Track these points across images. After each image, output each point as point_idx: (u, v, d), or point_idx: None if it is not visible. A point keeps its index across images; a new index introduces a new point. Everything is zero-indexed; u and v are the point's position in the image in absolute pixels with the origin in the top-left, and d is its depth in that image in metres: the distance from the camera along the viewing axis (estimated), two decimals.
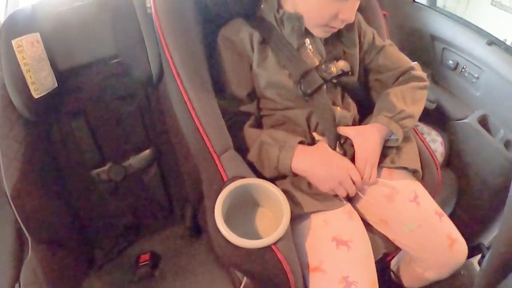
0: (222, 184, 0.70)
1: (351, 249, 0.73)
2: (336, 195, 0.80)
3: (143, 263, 0.92)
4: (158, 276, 0.90)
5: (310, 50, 0.86)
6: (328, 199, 0.79)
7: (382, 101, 0.87)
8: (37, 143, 0.85)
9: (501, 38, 1.82)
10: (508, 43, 1.80)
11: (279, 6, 0.85)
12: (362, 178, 0.80)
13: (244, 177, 0.72)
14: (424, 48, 1.42)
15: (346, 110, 0.88)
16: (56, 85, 0.86)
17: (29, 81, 0.79)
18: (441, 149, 1.25)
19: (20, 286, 0.79)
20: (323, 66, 0.84)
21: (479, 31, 1.26)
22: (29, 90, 0.79)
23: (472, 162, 1.28)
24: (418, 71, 0.93)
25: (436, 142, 1.25)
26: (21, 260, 0.83)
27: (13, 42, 0.76)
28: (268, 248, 0.65)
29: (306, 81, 0.82)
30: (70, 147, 0.93)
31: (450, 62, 1.33)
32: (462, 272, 1.33)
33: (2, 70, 0.78)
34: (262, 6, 0.87)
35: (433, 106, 1.28)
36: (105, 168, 0.96)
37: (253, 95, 0.87)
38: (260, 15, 0.87)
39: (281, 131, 0.83)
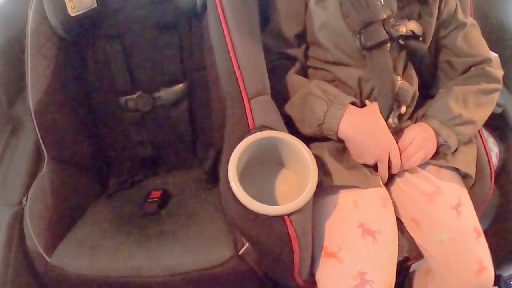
0: (246, 132, 0.53)
1: (377, 242, 0.55)
2: (371, 171, 0.62)
3: (152, 199, 0.78)
4: (164, 216, 0.75)
5: (381, 2, 0.64)
6: (362, 174, 0.61)
7: (438, 100, 0.67)
8: (69, 62, 0.77)
9: None
10: None
11: None
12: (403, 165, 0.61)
13: (273, 129, 0.54)
14: (503, 45, 1.14)
15: (407, 82, 0.66)
16: (95, 5, 0.75)
17: None
18: (495, 161, 1.00)
19: (27, 199, 0.71)
20: (391, 21, 0.62)
21: None
22: (66, 7, 0.71)
23: None
24: (495, 67, 0.70)
25: (491, 152, 1.00)
26: (35, 176, 0.76)
27: None
28: (279, 218, 0.48)
29: (368, 32, 0.62)
30: (102, 70, 0.82)
31: None
32: None
33: None
34: None
35: (499, 110, 1.02)
36: (134, 96, 0.82)
37: (302, 39, 0.68)
38: None
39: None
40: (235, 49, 0.59)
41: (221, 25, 0.60)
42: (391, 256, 0.58)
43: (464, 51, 0.70)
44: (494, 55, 0.72)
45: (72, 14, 0.71)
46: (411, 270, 0.89)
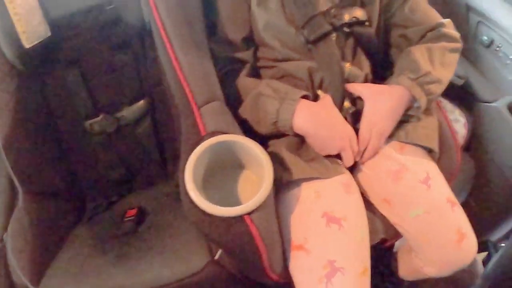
0: (199, 139, 0.54)
1: (343, 229, 0.56)
2: (332, 161, 0.63)
3: (128, 218, 0.80)
4: (141, 233, 0.77)
5: None
6: (322, 165, 0.62)
7: (405, 59, 0.66)
8: (30, 93, 0.78)
9: None
10: None
11: None
12: (365, 148, 0.62)
13: (226, 133, 0.55)
14: (457, 19, 1.16)
15: (357, 67, 0.68)
16: (49, 33, 0.76)
17: (19, 30, 0.70)
18: (463, 131, 1.02)
19: (7, 235, 0.72)
20: (333, 11, 0.64)
21: None
22: (20, 40, 0.70)
23: (494, 151, 1.05)
24: (450, 28, 0.70)
25: (458, 123, 1.03)
26: (12, 209, 0.77)
27: None
28: (239, 218, 0.49)
29: (310, 26, 0.63)
30: (64, 97, 0.83)
31: (485, 38, 1.08)
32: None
33: None
34: None
35: (461, 82, 1.05)
36: (98, 119, 0.84)
37: (250, 41, 0.69)
38: None
39: (283, 83, 0.65)
40: (179, 61, 0.60)
41: (163, 39, 0.61)
42: (360, 241, 0.59)
43: (415, 21, 0.70)
44: (447, 20, 0.73)
45: (27, 46, 0.72)
46: (394, 250, 0.91)
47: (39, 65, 0.78)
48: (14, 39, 0.70)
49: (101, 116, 0.84)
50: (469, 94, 1.09)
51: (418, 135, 0.67)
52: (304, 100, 0.62)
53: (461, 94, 1.11)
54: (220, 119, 0.58)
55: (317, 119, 0.61)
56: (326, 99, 0.64)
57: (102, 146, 0.85)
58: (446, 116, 0.77)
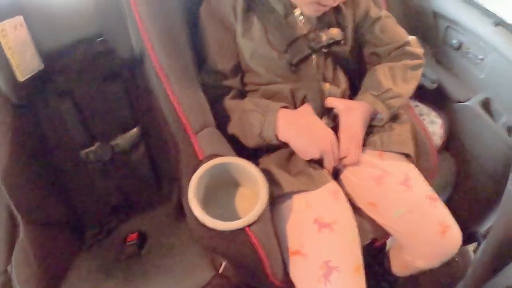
0: (198, 163, 0.63)
1: (334, 232, 0.66)
2: (318, 171, 0.73)
3: (130, 242, 0.87)
4: (144, 255, 0.85)
5: (301, 20, 0.76)
6: (309, 178, 0.71)
7: (370, 77, 0.78)
8: (26, 125, 0.83)
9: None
10: None
11: None
12: (345, 156, 0.72)
13: (222, 156, 0.64)
14: (426, 26, 1.30)
15: (335, 86, 0.79)
16: (42, 66, 0.82)
17: (14, 64, 0.75)
18: (440, 132, 1.14)
19: (12, 267, 0.77)
20: (311, 35, 0.75)
21: (486, 12, 1.14)
22: (14, 74, 0.75)
23: (472, 147, 1.17)
24: (414, 47, 0.82)
25: (435, 124, 1.15)
26: (14, 241, 0.81)
27: None
28: (241, 231, 0.58)
29: (292, 50, 0.73)
30: (58, 128, 0.89)
31: (454, 41, 1.21)
32: (456, 259, 1.25)
33: None
34: None
35: (433, 86, 1.18)
36: (93, 148, 0.91)
37: (238, 69, 0.79)
38: None
39: (264, 99, 0.76)
40: (174, 93, 0.69)
41: (158, 74, 0.70)
42: (351, 241, 0.69)
43: (384, 41, 0.83)
44: (412, 37, 0.86)
45: (21, 79, 0.77)
46: (386, 249, 1.01)
47: (33, 97, 0.84)
48: (8, 72, 0.75)
49: (96, 145, 0.91)
50: (444, 96, 1.21)
51: (392, 143, 0.78)
52: (284, 109, 0.72)
53: (436, 97, 1.24)
54: (215, 143, 0.68)
55: (298, 125, 0.71)
56: (306, 106, 0.74)
57: (98, 174, 0.92)
58: (420, 121, 0.88)
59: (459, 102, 1.17)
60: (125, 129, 0.92)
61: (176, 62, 0.72)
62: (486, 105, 1.14)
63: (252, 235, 0.58)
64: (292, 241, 0.67)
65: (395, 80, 0.77)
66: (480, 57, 1.15)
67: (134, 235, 0.89)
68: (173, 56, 0.72)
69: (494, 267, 0.82)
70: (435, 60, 1.29)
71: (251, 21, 0.74)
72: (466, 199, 1.24)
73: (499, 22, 1.08)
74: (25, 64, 0.77)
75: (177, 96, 0.70)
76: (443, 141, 1.15)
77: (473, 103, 1.13)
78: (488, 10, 1.14)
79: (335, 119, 0.78)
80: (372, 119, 0.79)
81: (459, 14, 1.17)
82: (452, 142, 1.23)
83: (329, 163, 0.74)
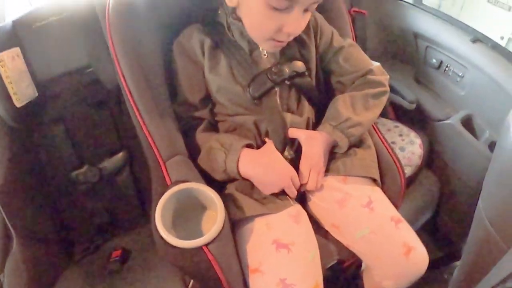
0: (165, 188, 0.74)
1: (291, 252, 0.74)
2: (282, 197, 0.81)
3: (114, 259, 0.99)
4: (126, 271, 0.96)
5: (264, 55, 0.85)
6: (272, 202, 0.80)
7: (331, 107, 0.86)
8: (21, 148, 0.92)
9: (498, 36, 1.73)
10: (505, 40, 1.71)
11: (233, 12, 0.82)
12: (306, 183, 0.80)
13: (188, 181, 0.74)
14: (406, 47, 1.38)
15: (298, 115, 0.87)
16: (36, 94, 0.92)
17: (11, 92, 0.85)
18: (419, 151, 1.21)
19: (4, 276, 0.87)
20: (273, 69, 0.83)
21: (465, 28, 1.20)
22: (12, 100, 0.85)
23: (454, 165, 1.23)
24: (378, 74, 0.89)
25: (414, 144, 1.21)
26: (7, 253, 0.90)
27: None
28: (199, 249, 0.68)
29: (255, 84, 0.82)
30: (51, 151, 0.99)
31: (434, 60, 1.28)
32: (445, 276, 1.29)
33: None
34: (219, 11, 0.86)
35: (412, 106, 1.25)
36: (82, 170, 1.02)
37: (207, 101, 0.88)
38: (217, 20, 0.86)
39: (231, 134, 0.84)
40: (146, 125, 0.80)
41: (131, 104, 0.80)
42: (310, 261, 0.76)
43: (348, 70, 0.90)
44: (376, 64, 0.93)
45: (18, 105, 0.85)
46: (361, 269, 1.07)
47: (28, 122, 0.92)
48: (6, 99, 0.83)
49: (85, 168, 1.02)
50: (425, 115, 1.28)
51: (355, 167, 0.85)
52: (246, 149, 0.79)
53: (417, 116, 1.30)
54: (183, 170, 0.78)
55: (259, 164, 0.79)
56: (268, 145, 0.83)
57: (87, 194, 1.04)
58: (387, 145, 0.95)
59: (439, 120, 1.23)
60: (112, 153, 1.04)
61: (147, 93, 0.81)
62: (468, 121, 1.21)
63: (209, 253, 0.68)
64: (252, 260, 0.76)
65: (355, 109, 0.84)
66: (460, 74, 1.22)
67: (118, 252, 1.00)
68: (144, 88, 0.81)
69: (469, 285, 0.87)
70: (416, 80, 1.36)
71: (218, 58, 0.84)
72: (451, 217, 1.30)
73: (477, 38, 1.15)
74: (21, 92, 0.86)
75: (147, 125, 0.80)
76: (422, 160, 1.21)
77: (454, 120, 1.20)
78: (468, 26, 1.20)
79: (298, 149, 0.85)
80: (334, 146, 0.86)
81: (438, 33, 1.24)
82: (434, 161, 1.29)
83: (291, 194, 0.82)
